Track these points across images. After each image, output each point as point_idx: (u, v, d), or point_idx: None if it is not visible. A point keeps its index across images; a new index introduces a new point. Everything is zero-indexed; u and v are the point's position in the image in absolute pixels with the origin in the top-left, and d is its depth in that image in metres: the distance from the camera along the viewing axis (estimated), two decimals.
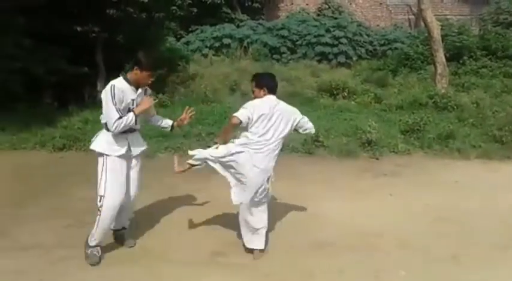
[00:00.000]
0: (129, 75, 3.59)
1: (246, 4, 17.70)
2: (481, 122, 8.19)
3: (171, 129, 4.06)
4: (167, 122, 4.02)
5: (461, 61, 12.21)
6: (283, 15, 18.21)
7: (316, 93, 10.26)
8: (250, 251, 3.81)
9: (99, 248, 3.64)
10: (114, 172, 3.55)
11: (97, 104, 9.01)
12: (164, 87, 9.91)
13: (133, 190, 3.79)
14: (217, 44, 14.71)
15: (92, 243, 3.61)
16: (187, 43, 15.18)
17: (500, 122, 7.92)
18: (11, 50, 7.70)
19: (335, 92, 10.07)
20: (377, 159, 6.73)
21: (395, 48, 14.66)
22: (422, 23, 11.87)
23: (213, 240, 4.07)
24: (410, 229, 4.37)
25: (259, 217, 3.79)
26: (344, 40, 14.40)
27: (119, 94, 3.46)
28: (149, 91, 3.77)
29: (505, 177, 6.09)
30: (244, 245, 3.85)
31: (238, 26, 15.79)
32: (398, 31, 16.62)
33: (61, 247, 3.86)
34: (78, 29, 8.45)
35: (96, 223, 3.56)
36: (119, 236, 3.93)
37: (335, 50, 14.29)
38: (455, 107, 9.06)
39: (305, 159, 6.71)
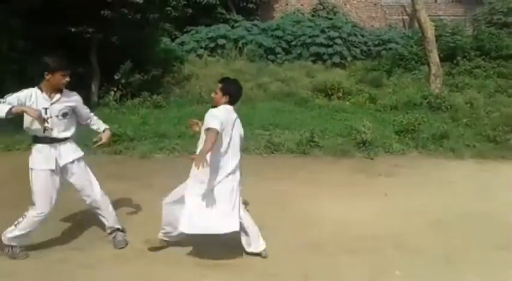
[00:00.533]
0: (42, 84, 3.53)
1: (241, 5, 17.68)
2: (475, 122, 8.25)
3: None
4: (100, 127, 3.94)
5: (455, 61, 12.29)
6: (277, 16, 18.21)
7: (311, 93, 10.29)
8: None
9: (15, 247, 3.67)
10: (40, 185, 3.57)
11: (91, 106, 9.05)
12: (159, 88, 9.91)
13: (92, 192, 3.79)
14: (212, 45, 14.69)
15: (6, 242, 3.64)
16: (182, 44, 15.14)
17: (494, 122, 7.98)
18: (7, 52, 7.66)
19: (330, 93, 10.10)
20: (372, 159, 6.75)
21: (390, 49, 14.71)
22: (416, 24, 11.92)
23: (212, 241, 4.05)
24: (405, 229, 4.40)
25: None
26: (339, 40, 14.43)
27: (23, 96, 3.44)
28: (73, 94, 3.71)
29: (499, 176, 6.13)
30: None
31: (233, 27, 15.78)
32: (392, 31, 16.67)
33: (57, 248, 3.86)
34: (73, 30, 8.40)
35: (17, 224, 3.61)
36: (115, 237, 3.94)
37: (330, 50, 14.31)
38: (449, 107, 9.12)
39: (300, 159, 6.72)
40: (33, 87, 3.53)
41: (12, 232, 3.62)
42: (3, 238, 3.65)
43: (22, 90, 3.49)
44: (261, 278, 3.54)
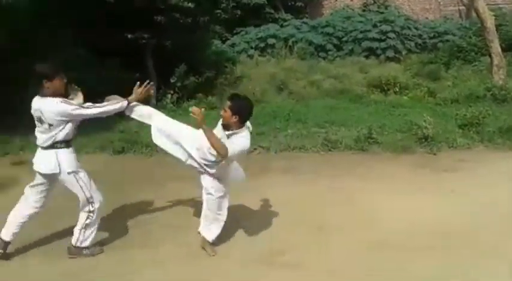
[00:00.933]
0: (43, 93, 3.52)
1: (289, 3, 17.65)
2: None
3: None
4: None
5: None
6: (327, 13, 18.02)
7: (365, 89, 10.06)
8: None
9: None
10: (88, 180, 3.68)
11: None
12: (213, 90, 10.04)
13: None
14: (262, 45, 14.76)
15: (83, 245, 3.74)
16: (233, 45, 15.33)
17: None
18: (67, 61, 8.04)
19: (386, 88, 9.82)
20: (435, 154, 6.49)
21: (447, 41, 14.16)
22: (474, 14, 11.40)
23: (269, 238, 4.06)
24: (477, 226, 4.18)
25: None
26: (392, 34, 14.05)
27: None
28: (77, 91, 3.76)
29: None
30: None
31: (282, 26, 15.78)
32: (448, 23, 16.04)
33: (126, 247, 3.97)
34: (129, 36, 8.70)
35: (84, 227, 3.70)
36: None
37: (383, 44, 13.97)
38: None
39: (358, 156, 6.56)
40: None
41: (86, 237, 3.73)
42: (77, 245, 3.74)
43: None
44: (327, 274, 3.46)
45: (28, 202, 3.70)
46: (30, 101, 3.58)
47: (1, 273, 3.55)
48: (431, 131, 6.71)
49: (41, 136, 3.55)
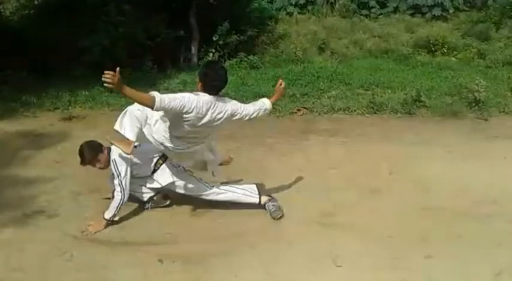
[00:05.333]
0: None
1: None
2: None
3: None
4: None
5: None
6: None
7: (411, 50, 9.71)
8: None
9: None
10: None
11: (192, 67, 9.37)
12: (254, 49, 9.94)
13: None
14: (302, 1, 14.29)
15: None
16: (271, 1, 14.92)
17: None
18: (114, 17, 8.10)
19: (433, 48, 9.47)
20: (486, 120, 6.32)
21: None
22: None
23: (321, 200, 4.08)
24: None
25: None
26: None
27: None
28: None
29: None
30: None
31: None
32: None
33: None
34: None
35: None
36: None
37: (430, 1, 13.23)
38: None
39: (406, 120, 6.47)
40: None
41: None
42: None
43: None
44: (378, 240, 3.46)
45: None
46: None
47: None
48: (483, 95, 6.50)
49: None
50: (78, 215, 3.84)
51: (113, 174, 3.64)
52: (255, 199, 3.84)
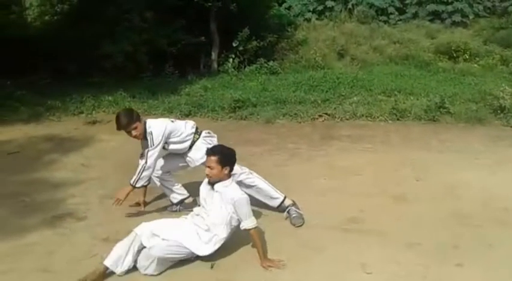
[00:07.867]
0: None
1: None
2: None
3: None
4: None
5: None
6: None
7: (433, 56, 9.67)
8: None
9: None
10: None
11: (212, 73, 9.44)
12: (274, 54, 9.98)
13: None
14: (320, 8, 14.31)
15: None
16: (289, 8, 14.97)
17: None
18: (138, 23, 8.22)
19: (455, 55, 9.38)
20: (511, 127, 6.22)
21: None
22: None
23: (344, 207, 4.03)
24: None
25: None
26: None
27: None
28: None
29: None
30: None
31: None
32: None
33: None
34: None
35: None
36: None
37: (449, 8, 13.18)
38: None
39: (430, 126, 6.40)
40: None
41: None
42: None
43: None
44: (406, 246, 3.42)
45: None
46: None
47: None
48: (508, 102, 6.41)
49: None
50: (106, 218, 3.88)
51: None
52: (278, 196, 3.84)
